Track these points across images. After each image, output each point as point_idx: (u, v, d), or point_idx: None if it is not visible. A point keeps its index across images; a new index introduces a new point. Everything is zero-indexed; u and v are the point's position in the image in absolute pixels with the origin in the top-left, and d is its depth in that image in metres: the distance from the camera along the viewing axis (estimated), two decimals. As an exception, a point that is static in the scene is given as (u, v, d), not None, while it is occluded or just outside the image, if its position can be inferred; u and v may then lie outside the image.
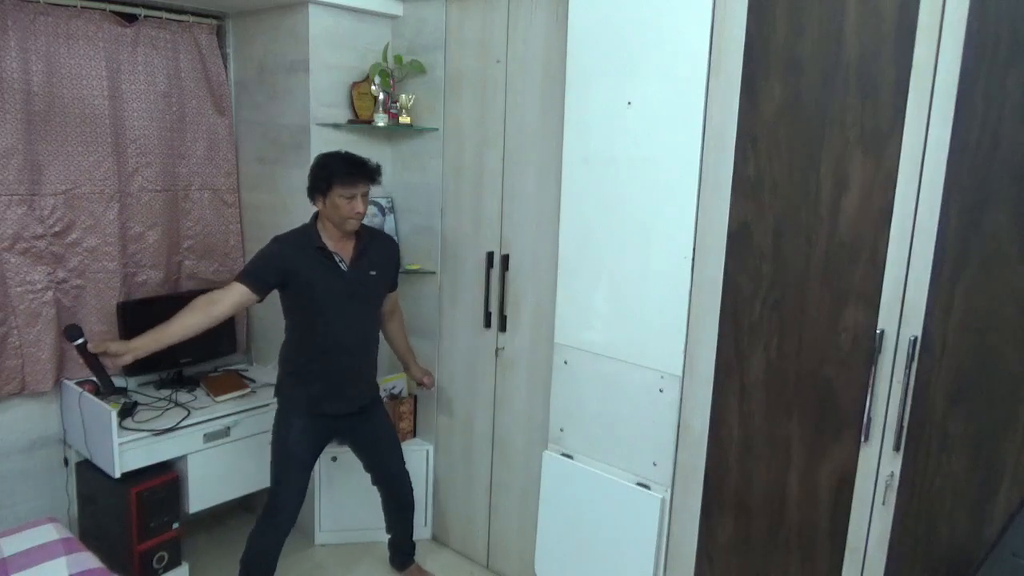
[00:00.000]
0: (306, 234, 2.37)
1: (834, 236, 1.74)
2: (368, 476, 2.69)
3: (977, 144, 1.53)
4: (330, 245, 2.36)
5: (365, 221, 2.83)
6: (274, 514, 2.41)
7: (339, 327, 2.36)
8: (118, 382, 2.76)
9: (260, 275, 2.27)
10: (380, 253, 2.47)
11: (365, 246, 2.42)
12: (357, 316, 2.40)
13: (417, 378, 2.82)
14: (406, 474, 2.69)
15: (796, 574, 1.92)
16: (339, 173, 2.27)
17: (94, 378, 2.17)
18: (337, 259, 2.36)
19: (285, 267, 2.28)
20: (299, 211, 2.75)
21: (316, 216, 2.39)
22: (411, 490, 2.72)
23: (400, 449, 2.69)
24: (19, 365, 2.56)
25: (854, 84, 1.67)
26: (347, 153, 2.36)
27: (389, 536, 2.80)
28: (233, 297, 2.23)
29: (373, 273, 2.43)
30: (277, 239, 2.35)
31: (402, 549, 2.79)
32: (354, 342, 2.42)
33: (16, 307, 2.53)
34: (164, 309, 2.84)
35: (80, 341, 2.06)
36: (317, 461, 2.56)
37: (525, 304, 2.60)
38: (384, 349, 2.70)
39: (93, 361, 2.08)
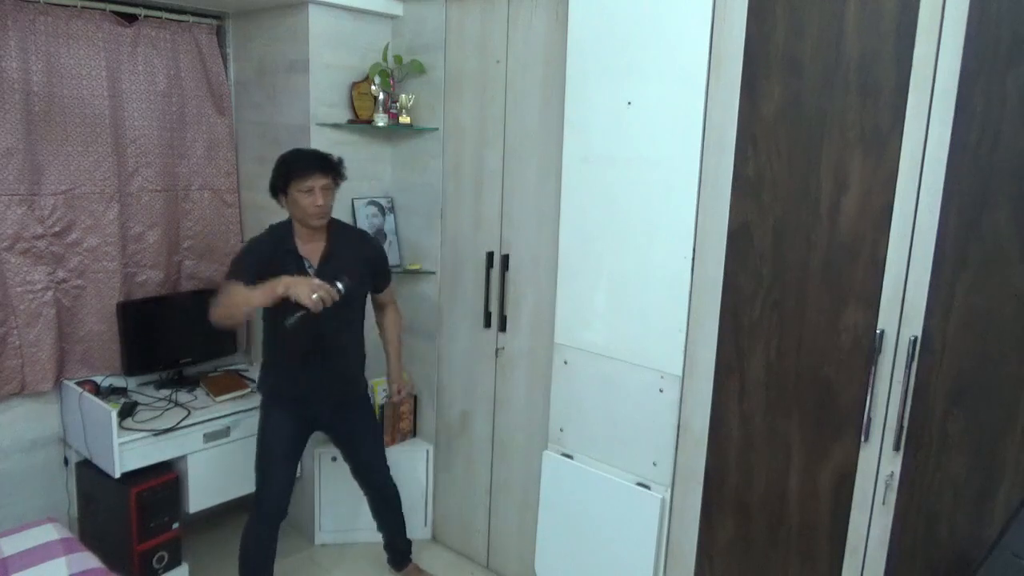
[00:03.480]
0: (279, 234, 2.35)
1: (834, 236, 1.74)
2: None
3: (977, 144, 1.53)
4: (300, 248, 2.33)
5: (366, 222, 2.87)
6: (259, 506, 2.41)
7: (309, 331, 2.26)
8: (117, 382, 2.77)
9: (240, 276, 2.24)
10: (352, 255, 2.38)
11: (333, 249, 2.35)
12: (326, 321, 2.25)
13: (390, 384, 2.68)
14: (386, 469, 2.66)
15: (796, 574, 1.92)
16: (294, 167, 2.26)
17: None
18: (306, 264, 2.32)
19: (256, 269, 2.24)
20: (299, 211, 2.75)
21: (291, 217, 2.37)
22: (393, 486, 2.69)
23: (382, 446, 2.67)
24: (19, 365, 2.56)
25: (854, 84, 1.67)
26: (304, 148, 2.36)
27: (382, 536, 2.78)
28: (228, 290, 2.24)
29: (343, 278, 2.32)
30: (251, 241, 2.37)
31: (397, 548, 2.77)
32: (326, 346, 2.36)
33: (16, 307, 2.53)
34: (164, 309, 2.88)
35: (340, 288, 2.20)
36: (308, 455, 2.54)
37: (525, 304, 2.60)
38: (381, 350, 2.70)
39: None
